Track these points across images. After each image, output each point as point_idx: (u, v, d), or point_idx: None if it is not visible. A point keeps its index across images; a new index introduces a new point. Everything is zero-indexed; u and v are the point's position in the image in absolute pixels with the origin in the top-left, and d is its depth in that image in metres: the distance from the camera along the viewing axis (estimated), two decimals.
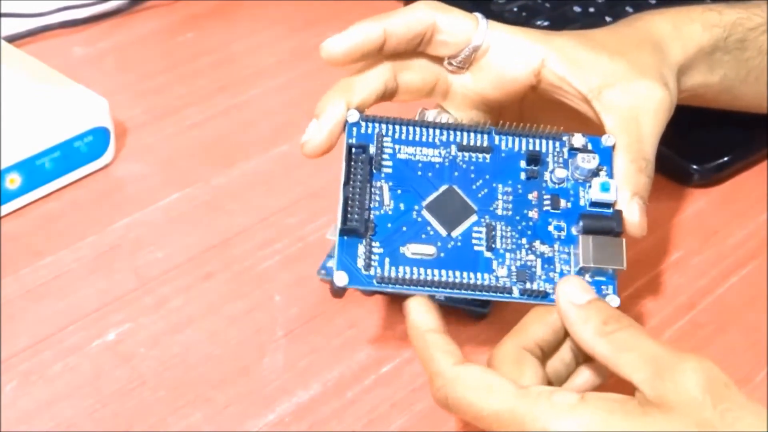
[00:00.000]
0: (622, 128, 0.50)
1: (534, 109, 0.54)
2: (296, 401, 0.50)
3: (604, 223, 0.47)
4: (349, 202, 0.45)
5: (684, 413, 0.40)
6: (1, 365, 0.51)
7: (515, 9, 0.72)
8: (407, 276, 0.46)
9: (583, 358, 0.45)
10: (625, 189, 0.49)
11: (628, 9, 0.72)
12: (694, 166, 0.62)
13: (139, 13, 0.78)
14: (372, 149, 0.48)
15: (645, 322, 0.54)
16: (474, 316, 0.53)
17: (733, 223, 0.60)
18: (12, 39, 0.72)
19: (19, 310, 0.54)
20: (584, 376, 0.46)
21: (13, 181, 0.59)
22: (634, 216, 0.49)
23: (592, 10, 0.72)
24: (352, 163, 0.46)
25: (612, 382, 0.44)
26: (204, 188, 0.62)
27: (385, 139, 0.48)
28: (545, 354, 0.45)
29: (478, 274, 0.46)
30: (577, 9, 0.72)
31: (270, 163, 0.64)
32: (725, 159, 0.62)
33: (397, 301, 0.54)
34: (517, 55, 0.51)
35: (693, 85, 0.56)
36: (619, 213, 0.48)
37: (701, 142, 0.63)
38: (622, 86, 0.51)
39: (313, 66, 0.73)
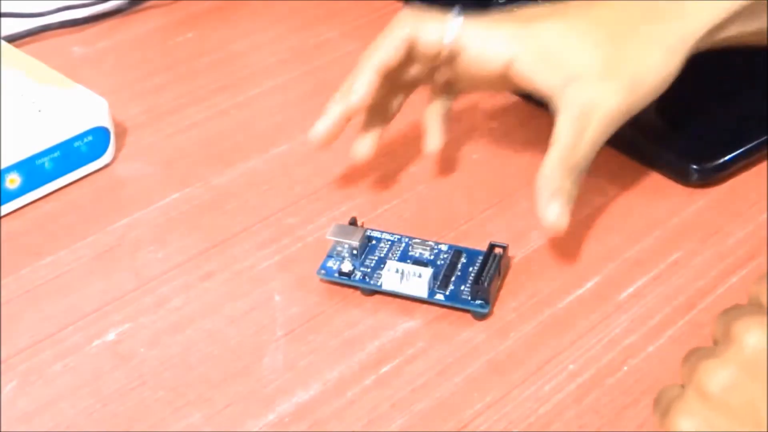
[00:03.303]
0: (565, 128, 0.53)
1: None
2: (296, 401, 0.50)
3: None
4: None
5: None
6: (1, 365, 0.51)
7: (515, 9, 0.72)
8: None
9: None
10: (545, 189, 0.53)
11: None
12: (694, 166, 0.62)
13: (139, 13, 0.78)
14: None
15: (645, 322, 0.54)
16: (475, 316, 0.53)
17: (733, 223, 0.60)
18: (12, 39, 0.72)
19: (19, 310, 0.54)
20: None
21: (13, 181, 0.59)
22: (550, 215, 0.53)
23: None
24: None
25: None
26: (204, 188, 0.62)
27: None
28: None
29: None
30: None
31: (270, 163, 0.64)
32: (725, 159, 0.62)
33: (396, 301, 0.54)
34: (486, 56, 0.54)
35: (730, 36, 0.56)
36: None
37: (701, 141, 0.63)
38: (585, 84, 0.53)
39: (313, 66, 0.73)
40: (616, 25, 0.54)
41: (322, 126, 0.57)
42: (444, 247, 0.56)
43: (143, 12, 0.78)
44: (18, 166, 0.59)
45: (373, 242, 0.57)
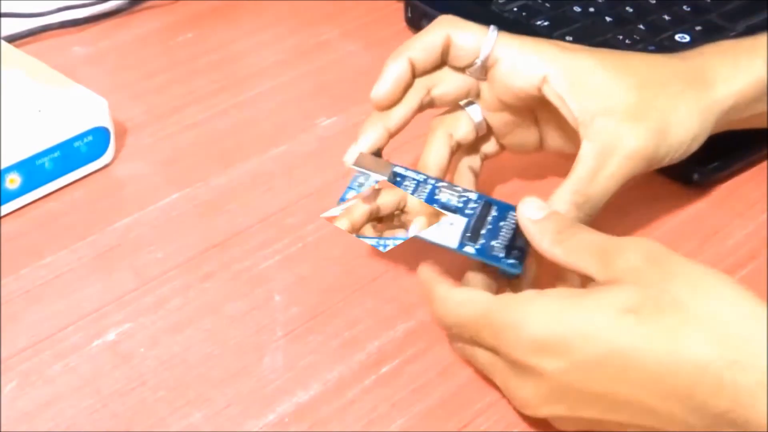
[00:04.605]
0: (587, 159, 0.52)
1: (549, 120, 0.56)
2: (296, 401, 0.50)
3: None
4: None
5: (628, 282, 0.44)
6: (1, 365, 0.51)
7: (515, 9, 0.72)
8: None
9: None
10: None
11: (629, 9, 0.72)
12: (694, 166, 0.62)
13: (139, 13, 0.78)
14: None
15: None
16: (506, 275, 0.51)
17: (733, 223, 0.60)
18: (12, 39, 0.72)
19: (19, 310, 0.54)
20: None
21: (13, 181, 0.59)
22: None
23: (592, 10, 0.72)
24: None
25: None
26: (204, 188, 0.62)
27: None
28: None
29: None
30: (577, 9, 0.72)
31: (270, 163, 0.64)
32: (725, 159, 0.62)
33: (396, 301, 0.54)
34: (521, 70, 0.53)
35: (754, 114, 0.57)
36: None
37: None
38: (614, 120, 0.52)
39: (313, 66, 0.73)
40: (648, 75, 0.53)
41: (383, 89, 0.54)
42: (473, 196, 0.52)
43: (143, 12, 0.78)
44: (18, 166, 0.59)
45: (398, 179, 0.53)
